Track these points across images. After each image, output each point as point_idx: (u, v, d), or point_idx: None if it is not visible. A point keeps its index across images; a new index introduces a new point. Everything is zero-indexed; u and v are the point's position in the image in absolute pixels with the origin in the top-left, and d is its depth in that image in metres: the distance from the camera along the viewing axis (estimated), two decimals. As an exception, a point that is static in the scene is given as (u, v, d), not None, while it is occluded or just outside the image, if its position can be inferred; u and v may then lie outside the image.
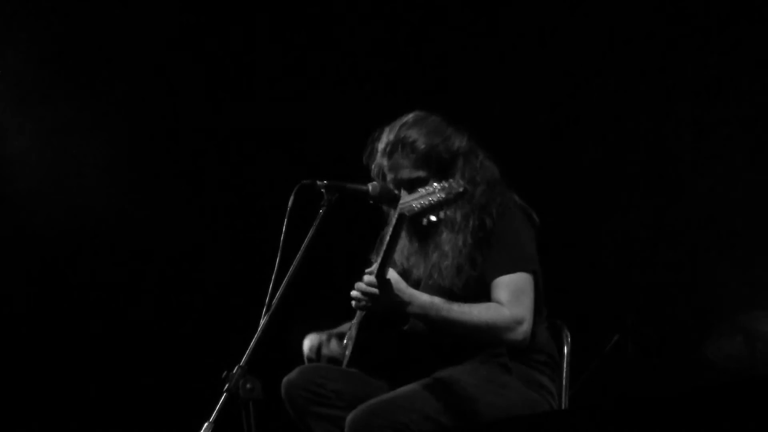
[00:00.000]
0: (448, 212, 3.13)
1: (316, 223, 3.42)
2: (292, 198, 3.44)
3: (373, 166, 3.57)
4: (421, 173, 3.45)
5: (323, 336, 3.79)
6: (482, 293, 3.40)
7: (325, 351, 3.76)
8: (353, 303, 3.34)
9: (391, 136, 3.51)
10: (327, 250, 3.66)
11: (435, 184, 3.12)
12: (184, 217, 5.40)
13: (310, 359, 3.76)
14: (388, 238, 3.21)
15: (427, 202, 3.10)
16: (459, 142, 3.52)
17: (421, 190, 3.15)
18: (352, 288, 3.84)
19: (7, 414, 5.37)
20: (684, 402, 4.51)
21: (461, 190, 3.09)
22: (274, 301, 3.24)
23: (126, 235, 5.43)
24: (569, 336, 3.65)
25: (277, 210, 3.48)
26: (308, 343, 3.80)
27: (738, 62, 4.57)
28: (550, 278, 3.59)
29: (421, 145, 3.46)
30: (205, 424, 3.02)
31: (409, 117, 3.55)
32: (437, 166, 3.45)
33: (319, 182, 3.48)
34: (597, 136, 4.81)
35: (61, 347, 5.44)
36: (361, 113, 4.93)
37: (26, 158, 5.34)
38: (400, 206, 3.17)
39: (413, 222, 3.34)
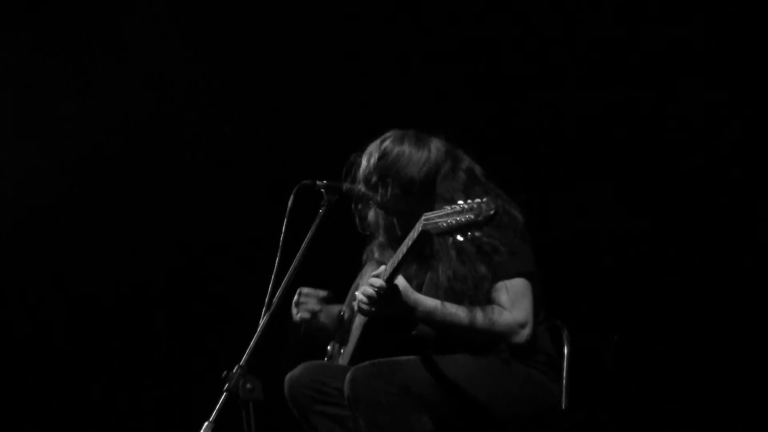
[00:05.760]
0: (477, 233, 2.98)
1: (315, 223, 3.43)
2: (291, 198, 3.45)
3: (355, 193, 3.57)
4: (410, 199, 3.48)
5: (320, 292, 3.80)
6: (482, 295, 3.42)
7: (322, 319, 3.79)
8: (361, 306, 3.34)
9: (372, 165, 3.51)
10: (327, 249, 3.67)
11: (461, 202, 3.01)
12: (184, 217, 5.40)
13: (298, 307, 3.76)
14: (405, 249, 3.20)
15: (454, 222, 2.99)
16: (438, 153, 3.52)
17: (447, 208, 3.04)
18: (351, 287, 3.89)
19: (7, 414, 5.38)
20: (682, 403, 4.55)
21: (492, 212, 2.96)
22: (274, 300, 3.25)
23: (125, 234, 5.42)
24: (569, 336, 3.64)
25: (277, 210, 3.48)
26: (303, 303, 3.80)
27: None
28: (550, 279, 3.59)
29: (406, 174, 3.47)
30: (205, 424, 3.03)
31: (387, 142, 3.53)
32: (424, 189, 3.47)
33: (318, 183, 3.49)
34: (598, 134, 4.81)
35: (60, 347, 5.44)
36: (362, 112, 4.96)
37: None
38: (424, 221, 3.09)
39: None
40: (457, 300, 3.37)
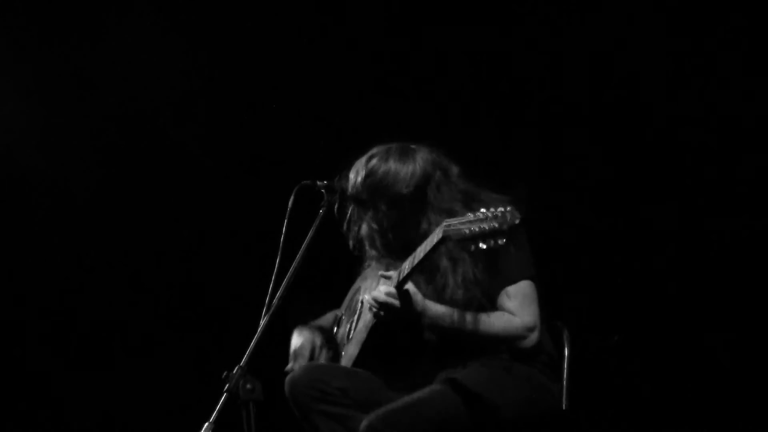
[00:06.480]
0: (500, 241, 2.95)
1: (316, 223, 3.43)
2: (292, 198, 3.45)
3: (349, 213, 3.58)
4: (401, 214, 3.48)
5: (316, 340, 3.79)
6: (488, 301, 3.43)
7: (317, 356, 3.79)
8: (371, 310, 3.36)
9: (360, 184, 3.50)
10: (327, 249, 3.67)
11: (483, 210, 2.99)
12: (185, 217, 5.39)
13: (298, 354, 3.77)
14: (422, 254, 3.19)
15: (478, 229, 2.97)
16: (425, 164, 3.51)
17: (470, 215, 3.03)
18: (349, 291, 3.88)
19: (5, 414, 5.38)
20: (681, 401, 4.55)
21: (518, 221, 2.95)
22: (274, 301, 3.24)
23: (126, 234, 5.42)
24: (569, 337, 3.64)
25: (279, 209, 3.48)
26: (300, 342, 3.80)
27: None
28: (550, 279, 3.59)
29: (395, 191, 3.46)
30: (206, 425, 3.02)
31: (373, 161, 3.51)
32: (414, 202, 3.46)
33: (319, 183, 3.49)
34: (599, 134, 4.81)
35: (60, 347, 5.44)
36: (363, 112, 4.96)
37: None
38: (445, 227, 3.08)
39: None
40: (463, 308, 3.37)
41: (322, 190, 3.49)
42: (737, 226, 4.56)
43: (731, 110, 4.56)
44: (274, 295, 3.25)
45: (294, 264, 3.30)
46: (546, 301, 3.54)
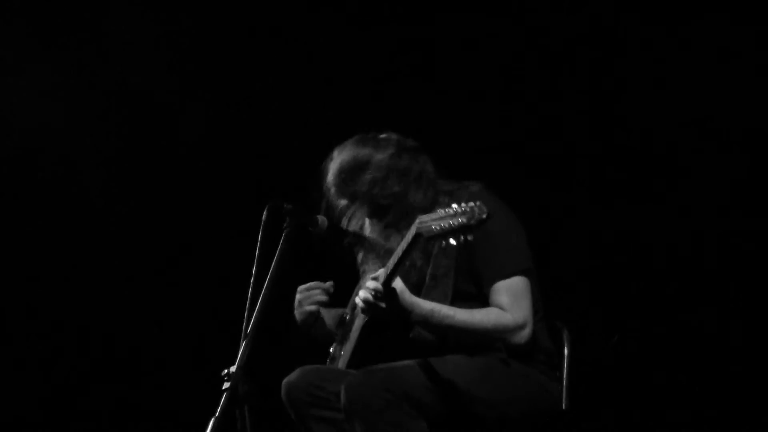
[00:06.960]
0: (469, 237, 2.96)
1: (280, 247, 3.39)
2: (264, 215, 3.42)
3: (335, 213, 3.59)
4: (375, 193, 3.49)
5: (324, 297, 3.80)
6: (479, 294, 3.43)
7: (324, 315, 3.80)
8: (359, 306, 3.36)
9: (330, 178, 3.55)
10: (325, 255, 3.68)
11: (455, 205, 3.00)
12: (186, 216, 5.39)
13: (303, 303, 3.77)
14: (401, 252, 3.20)
15: (447, 225, 2.98)
16: (386, 145, 3.54)
17: (441, 211, 3.03)
18: (355, 290, 3.88)
19: (6, 414, 5.39)
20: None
21: (484, 216, 2.94)
22: (253, 321, 3.21)
23: (125, 234, 5.42)
24: (569, 337, 3.63)
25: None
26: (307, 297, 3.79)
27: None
28: (551, 278, 3.58)
29: (358, 166, 3.49)
30: (212, 420, 3.02)
31: (333, 154, 3.58)
32: (383, 178, 3.48)
33: (285, 206, 3.44)
34: (600, 134, 4.80)
35: (61, 347, 5.45)
36: (359, 114, 4.95)
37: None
38: (418, 224, 3.10)
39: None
40: (450, 299, 3.38)
41: (286, 215, 3.44)
42: (738, 225, 4.55)
43: (732, 110, 4.56)
44: (252, 312, 3.22)
45: (264, 292, 3.26)
46: (546, 300, 3.54)
